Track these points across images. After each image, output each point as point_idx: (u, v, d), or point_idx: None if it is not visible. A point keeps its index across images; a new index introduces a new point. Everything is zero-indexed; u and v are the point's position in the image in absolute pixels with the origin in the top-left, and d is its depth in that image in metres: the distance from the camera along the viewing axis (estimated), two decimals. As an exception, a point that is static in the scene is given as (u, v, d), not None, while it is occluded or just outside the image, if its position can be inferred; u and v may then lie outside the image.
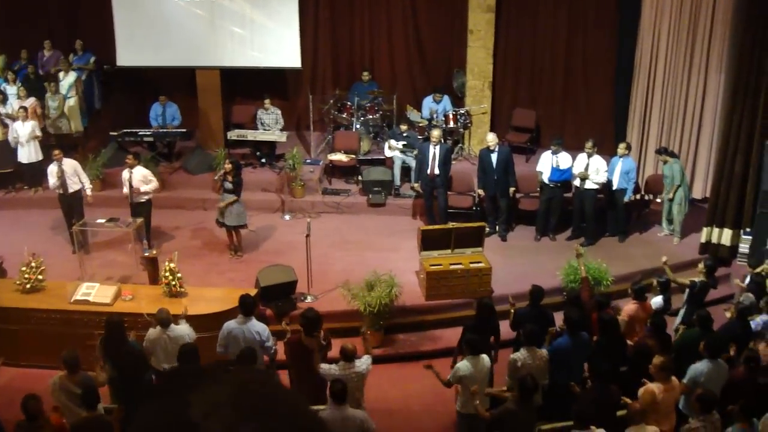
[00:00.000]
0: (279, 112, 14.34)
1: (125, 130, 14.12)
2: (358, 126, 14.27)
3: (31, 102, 13.51)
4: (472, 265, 10.73)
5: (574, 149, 12.43)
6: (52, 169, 11.45)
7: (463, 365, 7.55)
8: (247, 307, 8.15)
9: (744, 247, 11.48)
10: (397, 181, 13.43)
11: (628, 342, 8.42)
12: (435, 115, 14.04)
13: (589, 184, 11.98)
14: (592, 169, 11.92)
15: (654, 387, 7.13)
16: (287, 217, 13.12)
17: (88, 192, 11.77)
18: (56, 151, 11.56)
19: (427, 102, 14.34)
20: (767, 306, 8.79)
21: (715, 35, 12.48)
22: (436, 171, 12.13)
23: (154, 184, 11.57)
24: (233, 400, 1.14)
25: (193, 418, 1.10)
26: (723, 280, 11.20)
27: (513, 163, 12.33)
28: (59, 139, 13.79)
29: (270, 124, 14.22)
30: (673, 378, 7.30)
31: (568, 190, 12.43)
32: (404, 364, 9.97)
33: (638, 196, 12.75)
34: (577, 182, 12.11)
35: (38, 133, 13.05)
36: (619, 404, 7.29)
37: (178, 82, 14.89)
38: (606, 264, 10.61)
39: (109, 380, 7.96)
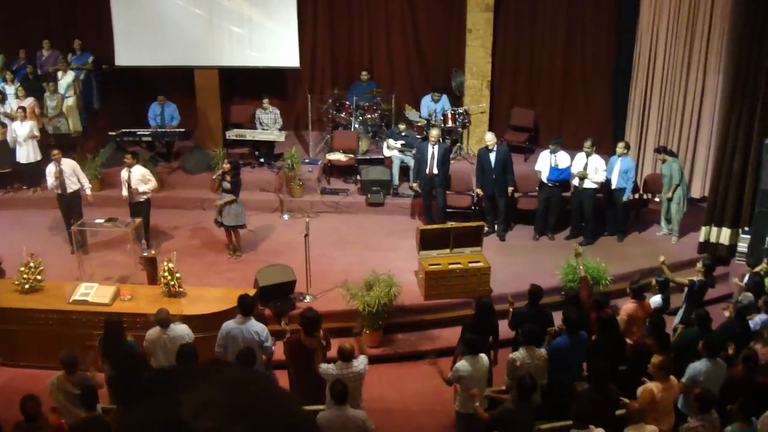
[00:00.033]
0: (277, 111, 14.34)
1: (124, 130, 14.11)
2: (356, 125, 14.27)
3: (29, 102, 13.50)
4: (470, 265, 10.73)
5: (573, 148, 12.45)
6: (51, 169, 11.43)
7: (462, 365, 7.55)
8: (246, 307, 8.14)
9: (742, 246, 11.49)
10: (396, 181, 13.43)
11: (628, 341, 8.43)
12: (433, 115, 14.05)
13: (588, 184, 11.98)
14: (591, 169, 11.92)
15: (653, 386, 7.13)
16: (286, 216, 13.12)
17: (88, 192, 11.76)
18: (55, 151, 11.55)
19: (426, 101, 14.34)
20: (766, 305, 8.79)
21: (714, 34, 12.48)
22: (435, 170, 12.13)
23: (152, 183, 11.56)
24: (224, 400, 1.13)
25: (183, 417, 1.10)
26: (722, 279, 11.21)
27: (511, 163, 12.32)
28: (58, 139, 13.78)
29: (268, 124, 14.21)
30: (672, 377, 7.30)
31: (566, 190, 12.43)
32: (403, 364, 9.97)
33: (637, 196, 12.75)
34: (576, 182, 12.12)
35: (36, 133, 13.04)
36: (618, 403, 7.29)
37: (176, 81, 14.88)
38: (605, 263, 10.62)
39: (108, 380, 7.96)
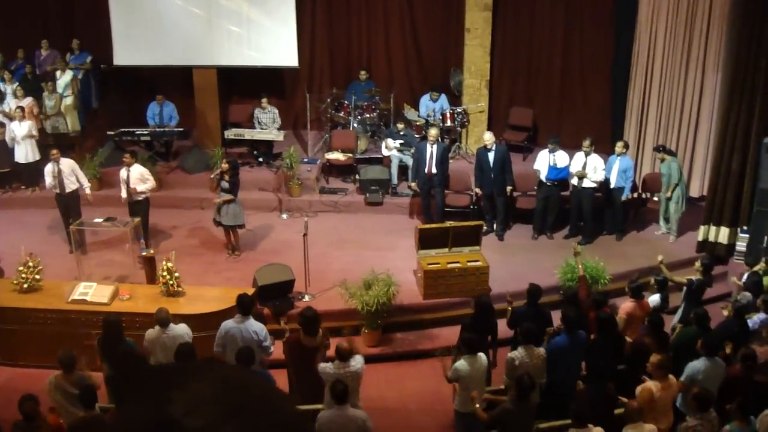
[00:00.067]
0: (276, 111, 14.33)
1: (122, 130, 14.10)
2: (355, 125, 14.26)
3: (28, 102, 13.50)
4: (469, 264, 10.73)
5: (571, 148, 12.45)
6: (49, 169, 11.43)
7: (461, 364, 7.55)
8: (244, 306, 8.14)
9: (741, 246, 11.49)
10: (395, 180, 13.43)
11: (627, 340, 8.43)
12: (432, 114, 14.05)
13: (587, 183, 11.99)
14: (590, 168, 11.93)
15: (652, 385, 7.14)
16: (285, 216, 13.12)
17: (88, 191, 11.76)
18: (54, 151, 11.54)
19: (425, 101, 14.35)
20: (764, 304, 8.80)
21: (712, 33, 12.49)
22: (434, 170, 12.13)
23: (151, 183, 11.55)
24: (216, 398, 1.13)
25: (174, 415, 1.10)
26: (720, 278, 11.23)
27: (510, 162, 12.32)
28: (56, 138, 13.78)
29: (267, 123, 14.21)
30: (671, 376, 7.31)
31: (565, 189, 12.43)
32: (402, 363, 9.98)
33: (635, 195, 12.76)
34: (575, 181, 12.12)
35: (35, 133, 13.03)
36: (616, 402, 7.29)
37: (175, 81, 14.88)
38: (603, 262, 10.62)
39: (107, 380, 7.95)
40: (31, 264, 9.80)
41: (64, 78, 14.40)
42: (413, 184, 12.55)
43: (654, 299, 9.43)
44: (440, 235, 11.01)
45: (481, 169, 12.17)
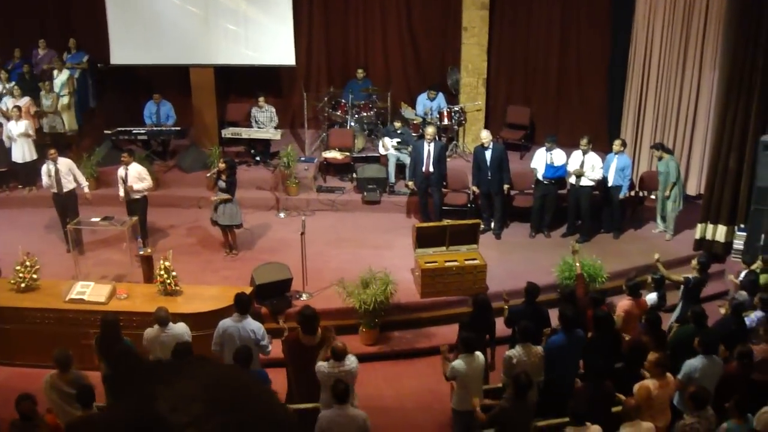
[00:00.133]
0: (273, 109, 14.33)
1: (119, 129, 14.10)
2: (352, 123, 14.26)
3: (25, 101, 13.49)
4: (467, 263, 10.74)
5: (568, 146, 12.45)
6: (46, 169, 11.42)
7: (458, 363, 7.55)
8: (242, 305, 8.13)
9: (738, 244, 11.50)
10: (392, 179, 13.43)
11: (624, 338, 8.44)
12: (429, 113, 14.05)
13: (584, 181, 12.00)
14: (588, 166, 11.93)
15: (649, 383, 7.15)
16: (282, 215, 13.12)
17: (86, 190, 11.75)
18: (51, 151, 11.53)
19: (422, 99, 14.35)
20: (761, 303, 8.81)
21: (709, 31, 12.50)
22: (431, 168, 12.13)
23: (148, 182, 11.54)
24: (202, 395, 1.13)
25: (160, 411, 1.10)
26: (717, 276, 11.25)
27: (507, 160, 12.32)
28: (54, 138, 13.76)
29: (264, 122, 14.20)
30: (669, 374, 7.32)
31: (562, 187, 12.44)
32: (399, 362, 9.99)
33: (633, 193, 12.77)
34: (572, 179, 12.12)
35: (31, 132, 13.02)
36: (614, 400, 7.30)
37: (172, 80, 14.87)
38: (601, 260, 10.63)
39: (104, 379, 7.94)
40: (28, 263, 9.79)
41: (61, 77, 14.39)
42: (410, 183, 12.55)
43: (651, 297, 9.44)
44: (438, 233, 11.02)
45: (479, 168, 12.17)
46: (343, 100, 14.43)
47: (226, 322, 8.05)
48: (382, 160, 13.65)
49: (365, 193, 13.20)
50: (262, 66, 14.51)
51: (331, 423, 6.74)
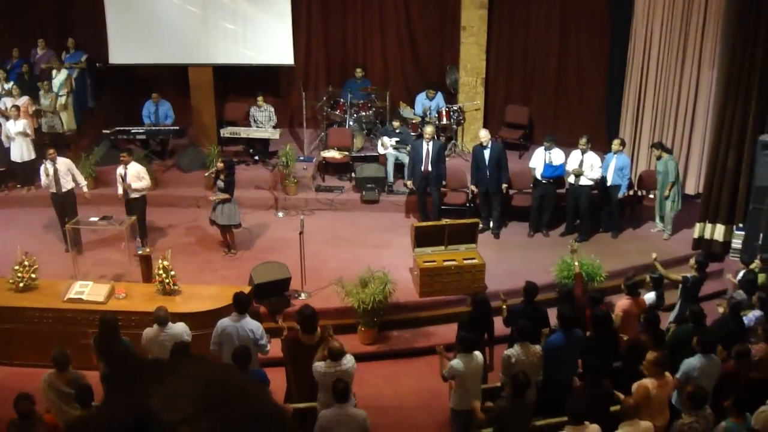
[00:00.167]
0: (272, 109, 14.33)
1: (118, 128, 14.08)
2: (351, 123, 14.26)
3: (23, 101, 13.48)
4: (465, 262, 10.74)
5: (567, 145, 12.46)
6: (45, 168, 11.41)
7: (456, 363, 7.55)
8: (241, 304, 8.13)
9: (737, 243, 11.52)
10: (391, 178, 13.43)
11: (623, 337, 8.44)
12: (428, 112, 14.05)
13: (583, 181, 12.00)
14: (587, 166, 11.93)
15: (648, 382, 7.15)
16: (280, 214, 13.12)
17: (85, 190, 11.75)
18: (50, 150, 11.53)
19: (420, 99, 14.35)
20: (759, 302, 8.82)
21: (708, 30, 12.50)
22: (430, 168, 12.13)
23: (146, 182, 11.54)
24: (194, 392, 1.14)
25: (152, 408, 1.11)
26: (716, 275, 11.25)
27: (506, 160, 12.32)
28: (52, 137, 13.76)
29: (263, 122, 14.20)
30: (667, 373, 7.32)
31: (561, 187, 12.44)
32: (398, 361, 9.99)
33: (631, 192, 12.77)
34: (571, 179, 12.12)
35: (29, 131, 13.01)
36: (613, 400, 7.30)
37: (170, 79, 14.86)
38: (599, 260, 10.63)
39: (103, 378, 7.93)
40: (26, 263, 9.78)
41: (59, 77, 14.38)
42: (409, 182, 12.55)
43: (650, 296, 9.45)
44: (436, 232, 11.02)
45: (477, 167, 12.18)
46: (341, 100, 14.43)
47: (224, 322, 8.05)
48: (380, 159, 13.65)
49: (364, 193, 13.20)
50: (260, 65, 14.51)
51: (332, 422, 6.74)
